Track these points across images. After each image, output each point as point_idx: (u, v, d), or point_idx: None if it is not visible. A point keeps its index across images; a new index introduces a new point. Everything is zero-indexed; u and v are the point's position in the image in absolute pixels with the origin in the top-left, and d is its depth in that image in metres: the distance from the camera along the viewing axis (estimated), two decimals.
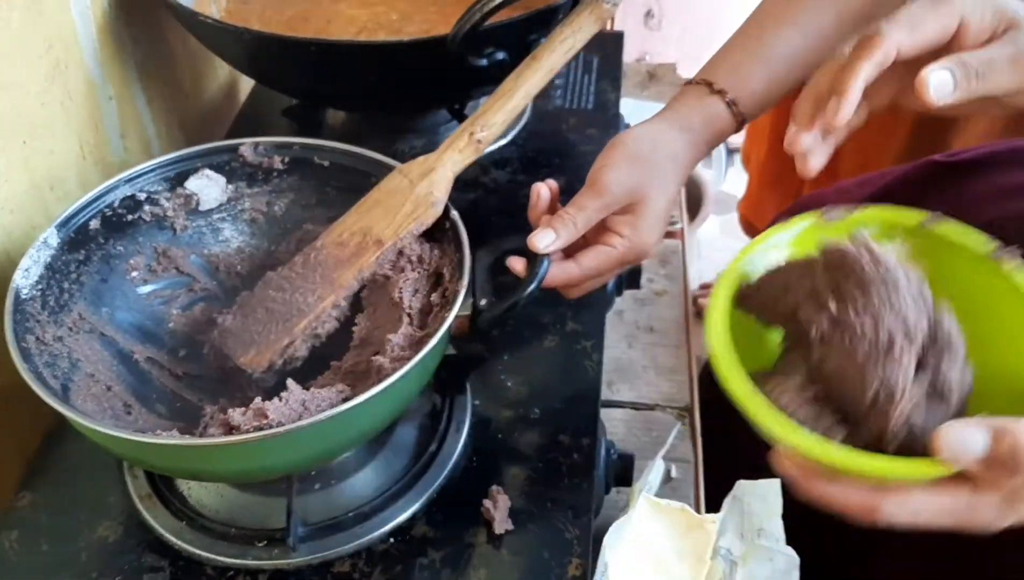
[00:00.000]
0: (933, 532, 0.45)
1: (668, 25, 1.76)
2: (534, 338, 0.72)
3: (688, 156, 0.65)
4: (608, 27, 1.64)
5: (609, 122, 0.94)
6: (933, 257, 0.50)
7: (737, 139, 1.60)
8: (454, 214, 0.62)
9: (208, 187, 0.67)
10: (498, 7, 0.64)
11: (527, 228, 0.81)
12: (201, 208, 0.67)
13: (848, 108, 0.50)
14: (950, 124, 1.05)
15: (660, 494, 0.71)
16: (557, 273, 0.61)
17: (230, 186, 0.68)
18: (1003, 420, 0.42)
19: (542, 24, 0.72)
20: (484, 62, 0.71)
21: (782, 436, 0.44)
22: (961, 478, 0.43)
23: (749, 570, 0.63)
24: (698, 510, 0.71)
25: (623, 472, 0.67)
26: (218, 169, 0.67)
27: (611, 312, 0.85)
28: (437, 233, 0.62)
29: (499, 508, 0.59)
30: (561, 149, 0.91)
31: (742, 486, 0.66)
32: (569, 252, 0.63)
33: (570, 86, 1.00)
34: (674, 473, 0.72)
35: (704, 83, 0.66)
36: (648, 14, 1.72)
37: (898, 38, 0.50)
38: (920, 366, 0.45)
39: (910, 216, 0.51)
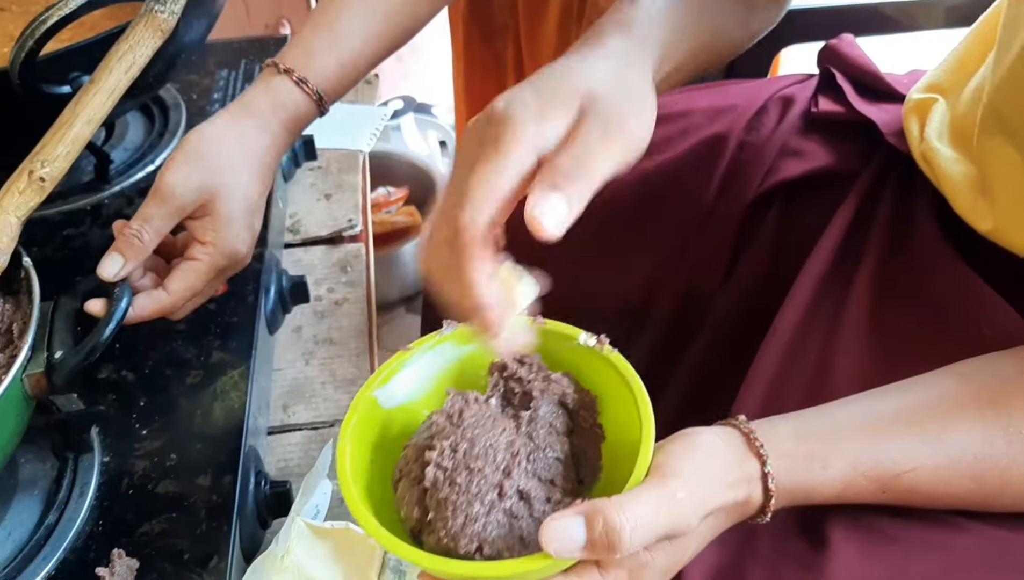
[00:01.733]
0: None
1: None
2: (176, 376, 0.67)
3: (261, 144, 0.63)
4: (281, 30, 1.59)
5: None
6: (549, 347, 0.51)
7: None
8: (26, 262, 0.56)
9: None
10: (51, 31, 0.59)
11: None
12: None
13: (501, 320, 0.43)
14: None
15: (337, 514, 0.68)
16: (146, 303, 0.57)
17: None
18: (593, 504, 0.42)
19: None
20: (68, 88, 0.65)
21: (405, 557, 0.43)
22: (586, 564, 0.44)
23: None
24: None
25: (280, 502, 0.63)
26: None
27: (288, 329, 0.81)
28: (15, 285, 0.56)
29: (117, 573, 0.54)
30: None
31: None
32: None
33: (228, 99, 0.94)
34: None
35: (272, 65, 0.64)
36: None
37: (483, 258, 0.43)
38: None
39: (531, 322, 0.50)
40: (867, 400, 0.51)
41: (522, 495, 0.45)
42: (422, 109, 1.83)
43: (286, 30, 1.65)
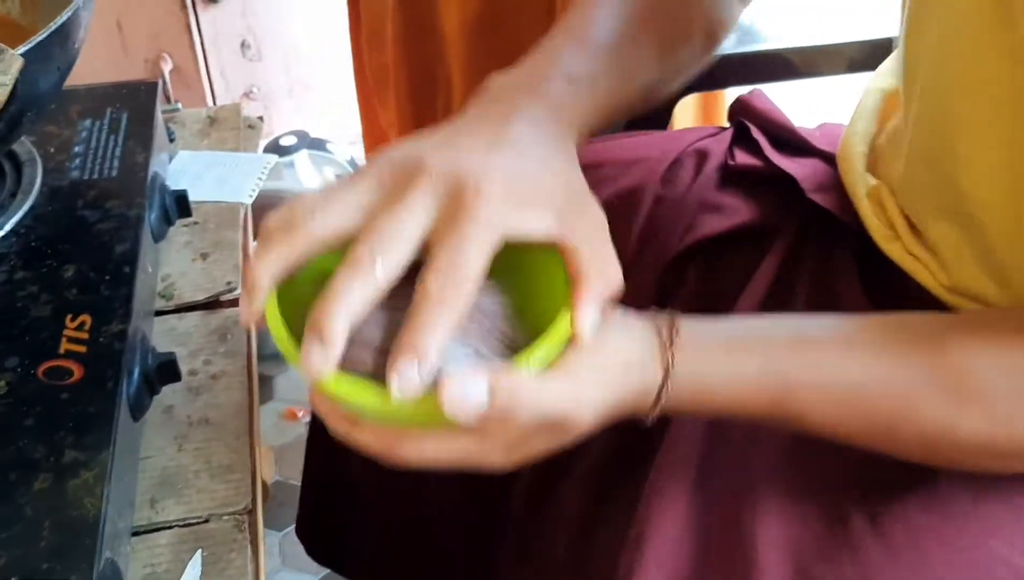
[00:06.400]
0: None
1: (269, 53, 1.66)
2: (21, 481, 0.59)
3: None
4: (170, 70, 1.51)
5: (136, 189, 0.82)
6: None
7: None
8: None
9: None
10: None
11: (26, 341, 0.69)
12: None
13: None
14: None
15: None
16: None
17: None
18: (499, 372, 0.44)
19: None
20: None
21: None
22: (469, 428, 0.46)
23: None
24: None
25: None
26: None
27: (158, 410, 0.74)
28: None
29: None
30: (74, 232, 0.78)
31: None
32: None
33: (91, 153, 0.86)
34: None
35: None
36: (244, 45, 1.61)
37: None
38: None
39: None
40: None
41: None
42: (316, 145, 1.76)
43: (167, 65, 1.57)
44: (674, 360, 0.48)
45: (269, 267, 0.47)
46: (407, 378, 0.43)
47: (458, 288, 0.43)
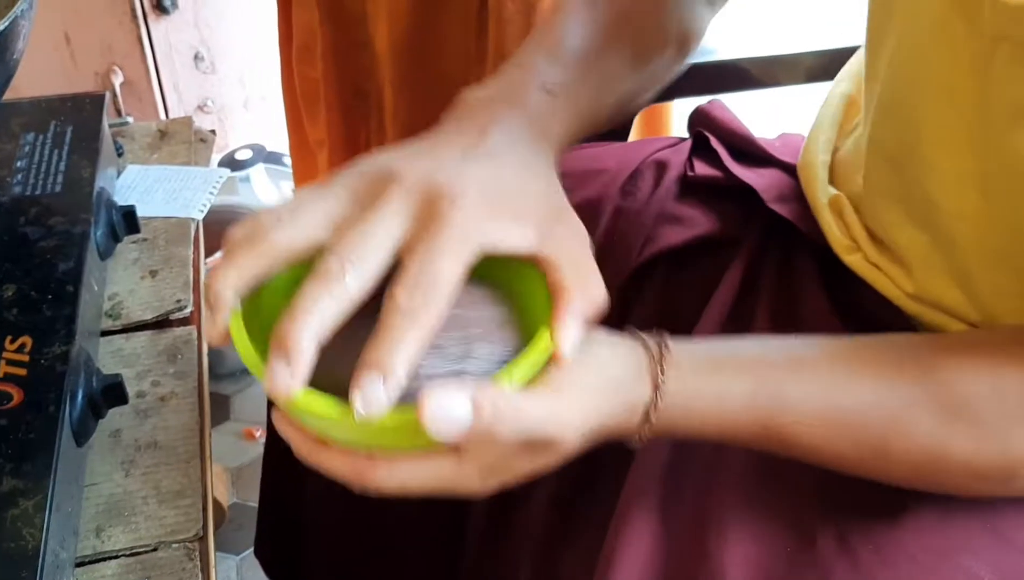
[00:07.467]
0: None
1: (223, 65, 1.63)
2: None
3: None
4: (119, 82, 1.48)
5: (81, 205, 0.79)
6: None
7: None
8: None
9: None
10: None
11: None
12: None
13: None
14: None
15: None
16: None
17: None
18: (484, 387, 0.42)
19: None
20: None
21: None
22: (446, 450, 0.44)
23: None
24: None
25: None
26: None
27: (104, 434, 0.71)
28: None
29: None
30: (15, 250, 0.75)
31: None
32: None
33: (34, 168, 0.83)
34: None
35: None
36: (197, 57, 1.58)
37: None
38: None
39: None
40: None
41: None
42: (273, 158, 1.74)
43: (118, 78, 1.53)
44: (664, 377, 0.46)
45: (232, 280, 0.44)
46: (372, 395, 0.40)
47: (429, 301, 0.41)
